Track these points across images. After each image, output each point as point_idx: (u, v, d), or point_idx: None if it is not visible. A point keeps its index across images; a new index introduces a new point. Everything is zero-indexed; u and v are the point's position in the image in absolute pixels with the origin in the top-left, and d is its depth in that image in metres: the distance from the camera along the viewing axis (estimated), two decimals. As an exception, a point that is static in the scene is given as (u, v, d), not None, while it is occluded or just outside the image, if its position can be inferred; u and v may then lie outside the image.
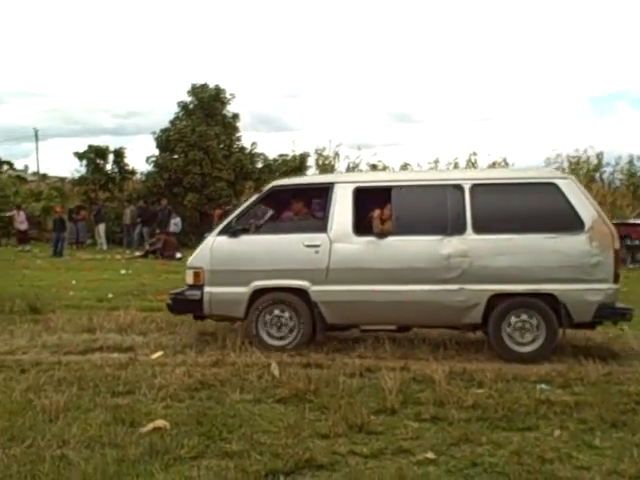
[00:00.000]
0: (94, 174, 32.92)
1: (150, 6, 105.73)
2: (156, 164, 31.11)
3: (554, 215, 8.28)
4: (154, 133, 31.33)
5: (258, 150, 32.58)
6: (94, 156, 32.97)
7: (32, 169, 53.86)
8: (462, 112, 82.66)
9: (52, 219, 29.46)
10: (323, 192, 8.84)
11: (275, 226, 9.08)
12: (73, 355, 8.47)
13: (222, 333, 9.26)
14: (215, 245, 8.79)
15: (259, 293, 8.60)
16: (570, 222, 8.16)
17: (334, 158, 36.27)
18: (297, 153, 33.33)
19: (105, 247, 28.63)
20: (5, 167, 45.30)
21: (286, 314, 8.59)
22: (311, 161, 34.90)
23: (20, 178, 43.32)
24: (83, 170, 33.41)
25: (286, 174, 29.49)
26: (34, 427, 5.58)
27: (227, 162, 30.63)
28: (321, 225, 8.63)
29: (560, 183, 8.34)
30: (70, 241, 28.54)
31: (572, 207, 8.18)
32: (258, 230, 8.78)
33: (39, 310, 11.75)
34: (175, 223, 26.96)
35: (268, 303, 8.59)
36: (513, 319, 8.19)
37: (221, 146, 30.91)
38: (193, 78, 64.91)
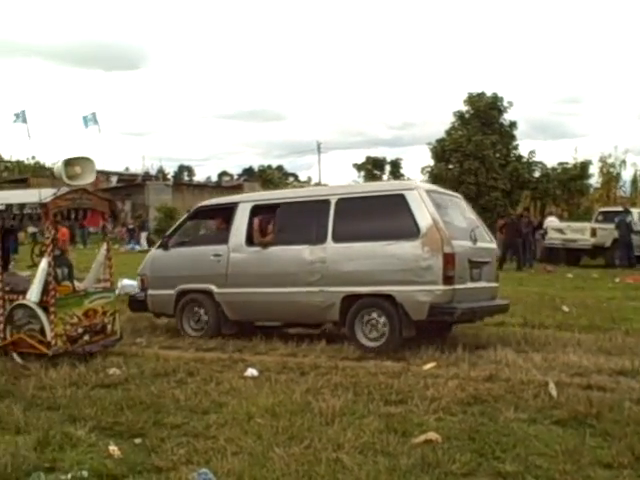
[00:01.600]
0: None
1: (425, 17, 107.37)
2: (431, 174, 31.42)
3: (397, 223, 9.14)
4: (429, 144, 31.74)
5: (536, 158, 31.57)
6: (371, 167, 34.23)
7: (314, 180, 57.19)
8: None
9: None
10: (231, 210, 10.42)
11: (194, 240, 11.55)
12: (349, 361, 8.73)
13: (495, 347, 9.02)
14: (154, 257, 11.07)
15: (182, 294, 10.43)
16: (408, 229, 8.97)
17: (620, 166, 34.02)
18: (578, 161, 31.75)
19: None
20: (291, 179, 48.59)
21: (201, 311, 10.33)
22: (594, 169, 33.05)
23: (304, 189, 46.11)
24: (361, 180, 34.77)
25: (565, 183, 28.21)
26: (312, 429, 5.80)
27: (503, 171, 30.07)
28: (224, 238, 10.31)
29: (406, 194, 9.15)
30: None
31: (412, 215, 8.98)
32: (182, 244, 10.86)
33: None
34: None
35: (187, 302, 10.42)
36: (365, 317, 9.11)
37: (497, 155, 30.43)
38: (469, 87, 64.72)
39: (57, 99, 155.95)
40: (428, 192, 9.42)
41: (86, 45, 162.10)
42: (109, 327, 9.20)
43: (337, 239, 9.34)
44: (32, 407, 6.55)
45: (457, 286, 8.94)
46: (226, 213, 10.63)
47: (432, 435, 5.59)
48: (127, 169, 78.50)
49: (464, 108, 31.53)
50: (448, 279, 8.80)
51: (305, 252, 9.49)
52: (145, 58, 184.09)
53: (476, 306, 9.38)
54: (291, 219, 9.99)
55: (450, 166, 30.46)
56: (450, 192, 10.95)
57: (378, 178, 34.41)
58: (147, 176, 60.68)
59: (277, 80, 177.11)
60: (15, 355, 8.57)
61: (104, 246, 9.76)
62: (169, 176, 74.57)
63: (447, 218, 9.36)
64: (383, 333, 9.08)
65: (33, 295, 8.60)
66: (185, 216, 11.45)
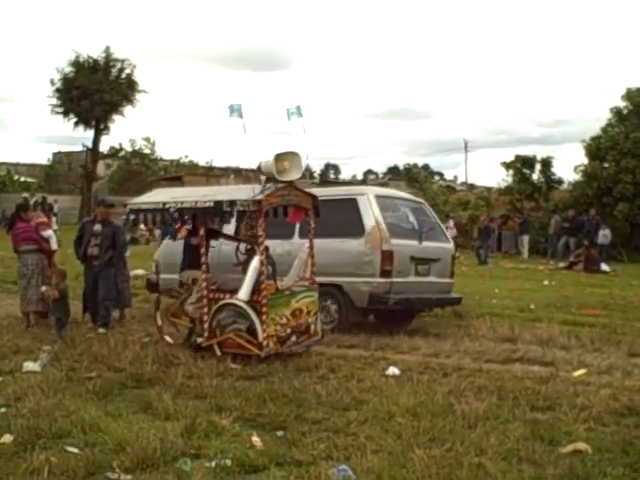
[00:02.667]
0: (520, 184, 33.11)
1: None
2: (585, 173, 30.10)
3: (348, 223, 10.43)
4: (583, 141, 30.40)
5: None
6: (521, 166, 33.15)
7: (461, 179, 56.31)
8: None
9: (477, 227, 30.34)
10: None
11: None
12: (493, 364, 8.50)
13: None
14: (164, 245, 12.62)
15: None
16: (356, 229, 10.35)
17: None
18: None
19: (526, 256, 28.50)
20: (436, 177, 48.06)
21: None
22: None
23: (449, 188, 45.56)
24: (509, 180, 33.79)
25: None
26: (453, 431, 5.67)
27: (662, 170, 28.31)
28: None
29: (358, 198, 10.60)
30: (494, 250, 29.06)
31: (360, 217, 10.40)
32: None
33: (463, 316, 12.10)
34: (604, 235, 25.73)
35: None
36: (321, 303, 9.53)
37: (658, 153, 28.68)
38: (627, 82, 61.56)
39: (207, 100, 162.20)
40: (377, 197, 10.83)
41: (235, 47, 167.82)
42: (312, 327, 8.91)
43: (302, 235, 10.16)
44: (180, 395, 6.81)
45: (395, 279, 10.29)
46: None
47: (581, 445, 5.32)
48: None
49: (622, 104, 30.00)
50: (385, 272, 10.21)
51: (277, 246, 10.24)
52: (292, 58, 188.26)
53: (414, 297, 10.56)
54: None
55: (605, 165, 29.03)
56: (410, 197, 12.64)
57: (527, 177, 33.19)
58: (294, 175, 61.84)
59: (423, 79, 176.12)
60: (219, 352, 8.48)
61: (306, 243, 9.32)
62: (315, 174, 75.75)
63: (393, 220, 10.80)
64: (334, 318, 10.40)
65: (243, 294, 8.40)
66: None
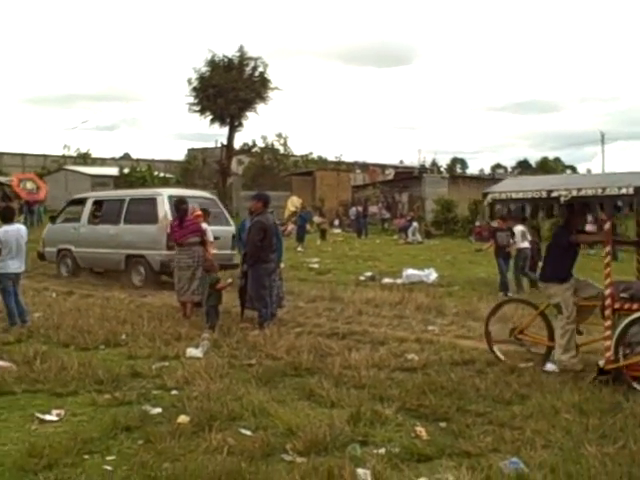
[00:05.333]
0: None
1: None
2: None
3: (150, 214, 14.88)
4: None
5: None
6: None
7: (595, 171, 54.17)
8: None
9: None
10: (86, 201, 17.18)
11: (67, 219, 17.82)
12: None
13: None
14: (48, 228, 17.97)
15: (60, 251, 16.92)
16: (154, 218, 14.75)
17: None
18: None
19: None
20: (568, 171, 46.42)
21: (68, 260, 16.72)
22: None
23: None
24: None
25: None
26: (624, 429, 5.54)
27: None
28: (79, 218, 16.84)
29: (157, 197, 15.21)
30: None
31: (156, 210, 14.80)
32: (64, 221, 17.65)
33: None
34: None
35: (63, 255, 16.84)
36: (136, 267, 15.01)
37: None
38: None
39: (332, 96, 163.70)
40: (169, 196, 14.90)
41: (358, 43, 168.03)
42: None
43: (126, 222, 15.46)
44: (340, 384, 6.97)
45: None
46: (100, 202, 16.91)
47: None
48: (401, 162, 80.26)
49: None
50: (170, 247, 13.19)
51: (110, 230, 15.63)
52: (416, 53, 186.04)
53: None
54: (104, 209, 16.58)
55: None
56: (198, 194, 16.90)
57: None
58: (422, 169, 61.44)
59: (550, 71, 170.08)
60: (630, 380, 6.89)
61: None
62: (442, 169, 74.95)
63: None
64: (143, 278, 14.88)
65: None
66: (65, 204, 18.67)
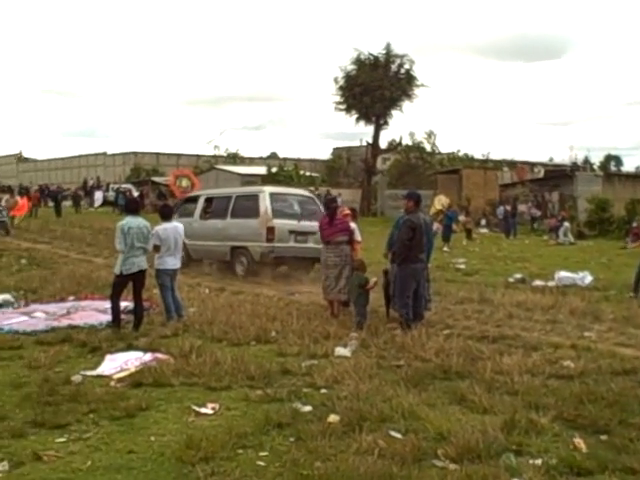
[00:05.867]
0: None
1: None
2: None
3: (252, 209, 16.16)
4: None
5: None
6: None
7: None
8: None
9: None
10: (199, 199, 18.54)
11: (183, 215, 17.50)
12: None
13: None
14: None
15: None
16: (255, 212, 16.02)
17: None
18: None
19: None
20: None
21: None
22: None
23: None
24: None
25: None
26: None
27: None
28: (192, 214, 17.71)
29: (259, 194, 16.51)
30: None
31: (258, 205, 16.02)
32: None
33: None
34: None
35: None
36: (239, 258, 16.17)
37: None
38: None
39: (478, 93, 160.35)
40: (270, 194, 16.30)
41: (505, 37, 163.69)
42: None
43: (232, 217, 16.55)
44: (492, 390, 6.77)
45: (276, 244, 15.59)
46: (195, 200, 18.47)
47: None
48: (551, 159, 77.50)
49: None
50: (269, 240, 15.44)
51: (218, 224, 16.75)
52: (568, 46, 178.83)
53: (288, 255, 15.71)
54: (214, 205, 17.56)
55: None
56: (298, 192, 18.65)
57: None
58: (575, 166, 58.98)
59: None
60: None
61: None
62: (595, 166, 71.65)
63: (279, 207, 16.15)
64: (246, 267, 15.89)
65: None
66: (180, 202, 20.37)
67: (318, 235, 14.36)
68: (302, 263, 15.84)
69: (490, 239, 30.39)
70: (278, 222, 15.73)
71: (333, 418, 5.90)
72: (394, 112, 47.61)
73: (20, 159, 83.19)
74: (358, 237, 11.57)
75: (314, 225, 14.44)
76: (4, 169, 78.24)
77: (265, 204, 15.87)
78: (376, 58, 47.26)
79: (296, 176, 51.92)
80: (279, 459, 5.09)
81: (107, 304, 10.18)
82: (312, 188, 45.75)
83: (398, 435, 5.55)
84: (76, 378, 7.17)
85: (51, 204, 43.47)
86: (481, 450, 5.16)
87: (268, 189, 17.21)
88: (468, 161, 59.17)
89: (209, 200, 17.97)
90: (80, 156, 74.66)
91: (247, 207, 16.38)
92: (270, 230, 15.54)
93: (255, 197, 16.42)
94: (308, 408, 6.20)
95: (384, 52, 47.38)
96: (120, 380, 7.17)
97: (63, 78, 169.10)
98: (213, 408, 6.29)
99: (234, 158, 65.80)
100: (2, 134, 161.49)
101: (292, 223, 15.96)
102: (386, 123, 48.09)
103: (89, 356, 8.26)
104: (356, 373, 7.24)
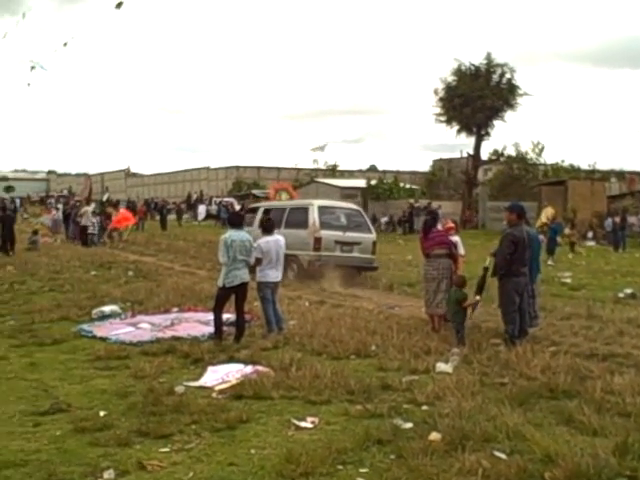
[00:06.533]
0: None
1: None
2: None
3: (303, 220, 17.65)
4: None
5: None
6: None
7: None
8: None
9: None
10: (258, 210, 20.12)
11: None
12: None
13: None
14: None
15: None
16: (305, 223, 17.50)
17: None
18: None
19: None
20: None
21: None
22: None
23: None
24: None
25: None
26: None
27: None
28: (252, 223, 17.33)
29: (309, 207, 17.98)
30: None
31: (307, 217, 17.49)
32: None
33: None
34: None
35: None
36: (291, 265, 16.49)
37: None
38: None
39: (582, 101, 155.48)
40: (319, 207, 17.72)
41: (610, 44, 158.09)
42: None
43: (285, 227, 16.89)
44: (602, 411, 6.47)
45: (323, 253, 16.89)
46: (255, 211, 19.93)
47: None
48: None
49: None
50: (316, 249, 16.73)
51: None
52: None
53: (333, 263, 16.76)
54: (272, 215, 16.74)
55: None
56: (345, 205, 19.89)
57: None
58: None
59: None
60: None
61: None
62: None
63: (327, 220, 17.52)
64: (296, 273, 16.86)
65: None
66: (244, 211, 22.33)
67: (363, 245, 17.30)
68: (348, 271, 16.95)
69: (597, 252, 29.30)
70: (325, 233, 17.14)
71: (435, 436, 5.77)
72: (496, 122, 46.86)
73: (128, 174, 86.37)
74: (461, 250, 11.36)
75: (359, 236, 17.07)
76: (114, 184, 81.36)
77: (314, 216, 17.29)
78: (477, 68, 46.66)
79: (396, 188, 51.72)
80: (379, 477, 5.01)
81: (209, 316, 10.36)
82: (412, 200, 45.53)
83: (503, 456, 5.37)
84: (179, 389, 7.32)
85: (157, 217, 44.97)
86: (591, 475, 4.93)
87: (317, 202, 18.80)
88: (573, 172, 57.21)
89: (267, 211, 18.86)
90: (185, 171, 76.88)
91: (298, 219, 17.67)
92: (317, 240, 16.97)
93: (305, 210, 17.82)
94: (409, 425, 6.10)
95: (485, 62, 46.74)
96: (221, 392, 7.27)
97: (174, 96, 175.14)
98: (313, 422, 6.27)
99: (333, 171, 66.21)
100: (113, 150, 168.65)
101: (338, 234, 17.33)
102: (487, 134, 47.37)
103: (192, 367, 8.41)
104: (458, 390, 7.08)
